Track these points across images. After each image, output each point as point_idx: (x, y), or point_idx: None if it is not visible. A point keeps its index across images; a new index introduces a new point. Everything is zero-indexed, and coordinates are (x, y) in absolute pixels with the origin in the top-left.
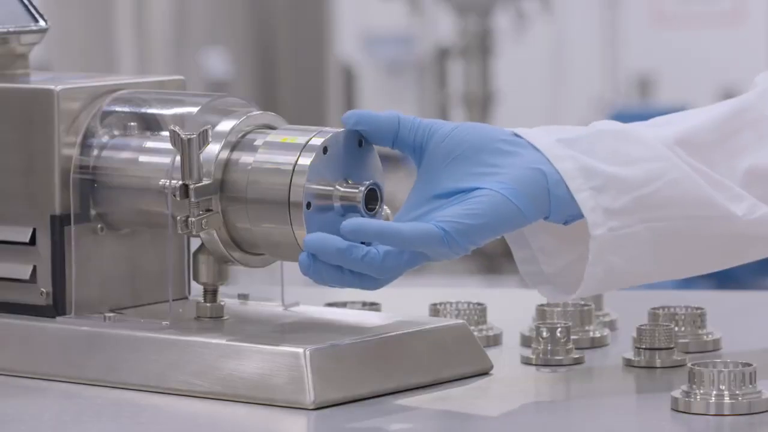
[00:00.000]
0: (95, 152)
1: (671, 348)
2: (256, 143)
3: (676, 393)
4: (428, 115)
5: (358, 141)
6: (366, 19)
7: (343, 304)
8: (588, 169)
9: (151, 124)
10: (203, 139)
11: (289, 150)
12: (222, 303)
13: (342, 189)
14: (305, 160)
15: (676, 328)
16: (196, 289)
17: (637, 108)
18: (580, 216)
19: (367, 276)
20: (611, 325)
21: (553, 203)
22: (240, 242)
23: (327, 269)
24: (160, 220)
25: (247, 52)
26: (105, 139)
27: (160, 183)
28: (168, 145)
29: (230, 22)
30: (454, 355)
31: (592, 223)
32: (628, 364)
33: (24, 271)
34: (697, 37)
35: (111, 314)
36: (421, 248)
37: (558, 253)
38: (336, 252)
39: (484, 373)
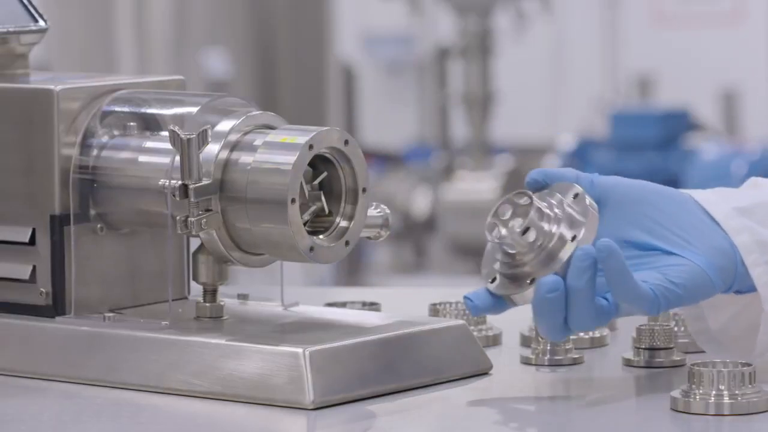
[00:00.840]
0: (95, 152)
1: (671, 348)
2: (255, 143)
3: (676, 393)
4: (428, 114)
5: None
6: (366, 19)
7: (343, 304)
8: (764, 242)
9: (150, 124)
10: (203, 139)
11: (288, 150)
12: (222, 303)
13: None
14: None
15: (676, 328)
16: (196, 289)
17: (637, 108)
18: (754, 289)
19: (564, 323)
20: (611, 325)
21: (737, 278)
22: (239, 242)
23: (558, 301)
24: (159, 220)
25: (247, 52)
26: (105, 139)
27: (160, 183)
28: (168, 145)
29: (230, 22)
30: (454, 355)
31: (765, 299)
32: (628, 364)
33: (24, 271)
34: (697, 37)
35: (111, 314)
36: (629, 303)
37: (723, 305)
38: (587, 280)
39: (484, 373)
